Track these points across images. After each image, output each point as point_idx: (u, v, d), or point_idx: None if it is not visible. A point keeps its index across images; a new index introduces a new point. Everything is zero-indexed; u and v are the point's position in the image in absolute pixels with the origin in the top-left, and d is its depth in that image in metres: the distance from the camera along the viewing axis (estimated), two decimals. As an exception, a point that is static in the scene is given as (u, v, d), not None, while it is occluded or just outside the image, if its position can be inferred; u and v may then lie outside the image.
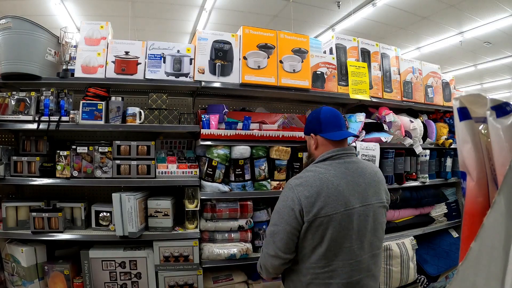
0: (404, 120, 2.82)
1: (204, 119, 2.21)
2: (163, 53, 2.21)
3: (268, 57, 2.33)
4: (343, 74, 2.62)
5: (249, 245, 2.26)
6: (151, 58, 2.20)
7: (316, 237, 1.36)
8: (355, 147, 2.44)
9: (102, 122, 2.12)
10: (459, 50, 7.96)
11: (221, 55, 2.26)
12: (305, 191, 1.36)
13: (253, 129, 2.32)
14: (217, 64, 2.25)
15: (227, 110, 2.35)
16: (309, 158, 1.63)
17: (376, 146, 2.54)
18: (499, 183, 0.66)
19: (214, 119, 2.23)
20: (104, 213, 2.15)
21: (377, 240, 1.48)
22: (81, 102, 2.11)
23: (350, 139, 2.42)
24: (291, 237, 1.38)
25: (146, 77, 2.18)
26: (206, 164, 2.21)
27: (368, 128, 2.61)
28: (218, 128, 2.24)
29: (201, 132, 2.18)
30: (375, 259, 1.48)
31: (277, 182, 2.37)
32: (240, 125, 2.31)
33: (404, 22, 6.65)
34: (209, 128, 2.20)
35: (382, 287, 2.53)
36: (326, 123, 1.52)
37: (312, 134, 1.56)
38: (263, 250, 1.49)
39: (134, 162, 2.15)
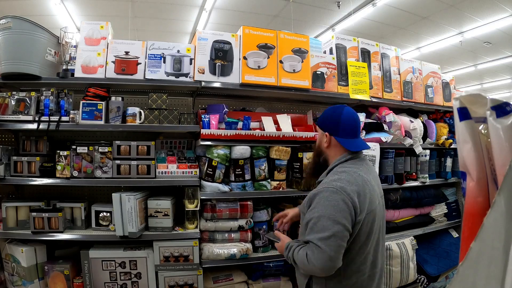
0: (404, 120, 2.82)
1: (204, 119, 2.21)
2: (163, 53, 2.21)
3: (268, 57, 2.33)
4: (343, 74, 2.62)
5: (249, 245, 2.26)
6: (151, 58, 2.20)
7: (364, 234, 1.38)
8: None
9: (102, 122, 2.12)
10: (459, 50, 7.95)
11: (221, 55, 2.26)
12: (354, 191, 1.35)
13: (253, 129, 2.32)
14: (217, 64, 2.25)
15: (227, 110, 2.35)
16: (319, 156, 1.59)
17: (376, 146, 2.54)
18: (499, 183, 0.66)
19: (214, 119, 2.24)
20: (104, 213, 2.15)
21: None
22: (81, 102, 2.11)
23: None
24: (345, 244, 1.31)
25: (146, 77, 2.18)
26: (206, 164, 2.21)
27: (368, 128, 2.61)
28: (218, 128, 2.24)
29: (201, 132, 2.18)
30: (384, 247, 1.62)
31: (277, 182, 2.37)
32: (240, 124, 2.31)
33: (404, 22, 6.65)
34: (209, 128, 2.20)
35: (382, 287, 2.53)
36: (344, 127, 1.49)
37: (327, 133, 1.54)
38: (309, 259, 1.31)
39: (134, 162, 2.15)
